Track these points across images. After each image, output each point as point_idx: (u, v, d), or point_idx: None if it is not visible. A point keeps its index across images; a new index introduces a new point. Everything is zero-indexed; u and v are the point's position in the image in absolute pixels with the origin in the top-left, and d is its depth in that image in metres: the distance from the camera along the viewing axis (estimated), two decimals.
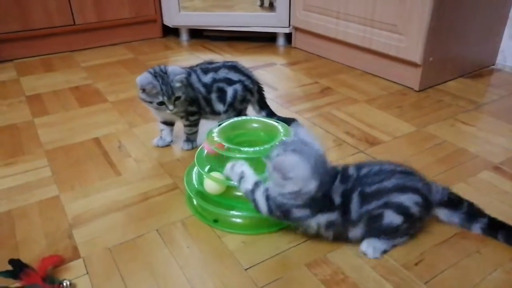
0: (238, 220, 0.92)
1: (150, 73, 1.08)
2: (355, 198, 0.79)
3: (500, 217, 0.93)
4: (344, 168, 0.84)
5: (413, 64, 1.59)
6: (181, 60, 2.01)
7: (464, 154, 1.20)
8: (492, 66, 1.87)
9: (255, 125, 1.02)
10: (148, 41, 2.33)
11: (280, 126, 0.97)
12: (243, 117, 1.07)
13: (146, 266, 0.82)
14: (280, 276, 0.79)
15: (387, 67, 1.72)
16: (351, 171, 0.83)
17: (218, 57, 2.06)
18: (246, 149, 0.89)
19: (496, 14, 1.74)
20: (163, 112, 1.13)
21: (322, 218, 0.80)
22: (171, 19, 2.26)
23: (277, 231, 0.90)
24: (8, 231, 0.91)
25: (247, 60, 1.99)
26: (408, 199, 0.80)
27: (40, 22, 2.01)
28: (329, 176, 0.80)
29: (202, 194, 0.93)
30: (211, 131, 0.97)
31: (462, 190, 1.03)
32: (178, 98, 1.09)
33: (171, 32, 2.40)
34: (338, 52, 1.94)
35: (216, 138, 0.93)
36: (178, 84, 1.08)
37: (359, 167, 0.84)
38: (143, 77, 1.07)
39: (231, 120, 1.02)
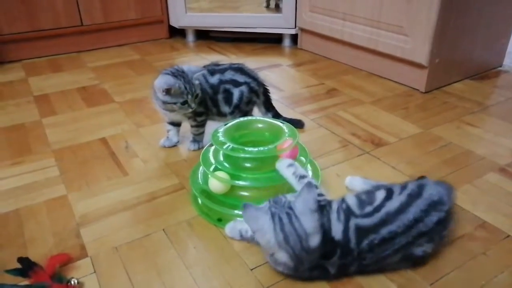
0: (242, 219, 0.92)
1: (169, 74, 1.07)
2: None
3: (506, 220, 0.93)
4: (345, 238, 0.75)
5: (419, 66, 1.59)
6: (187, 61, 2.02)
7: (470, 156, 1.19)
8: (499, 68, 1.86)
9: (260, 125, 1.02)
10: (155, 42, 2.34)
11: (285, 127, 0.98)
12: (248, 118, 1.07)
13: (153, 266, 0.83)
14: (285, 277, 0.80)
15: (393, 68, 1.72)
16: (352, 243, 0.74)
17: (223, 58, 2.06)
18: (250, 149, 0.89)
19: (503, 15, 1.73)
20: (172, 113, 1.14)
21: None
22: (177, 20, 2.27)
23: None
24: (17, 229, 0.93)
25: (253, 61, 2.00)
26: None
27: (48, 23, 2.03)
28: (314, 256, 0.73)
29: (206, 193, 0.94)
30: (216, 131, 0.97)
31: (468, 191, 1.03)
32: (197, 95, 1.10)
33: (177, 33, 2.41)
34: (344, 53, 1.95)
35: (221, 138, 0.93)
36: (197, 82, 1.10)
37: (361, 233, 0.75)
38: (165, 79, 1.06)
39: (236, 121, 1.02)
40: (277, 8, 2.25)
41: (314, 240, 0.71)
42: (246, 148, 0.90)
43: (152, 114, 1.44)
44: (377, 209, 0.77)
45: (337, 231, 0.75)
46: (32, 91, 1.68)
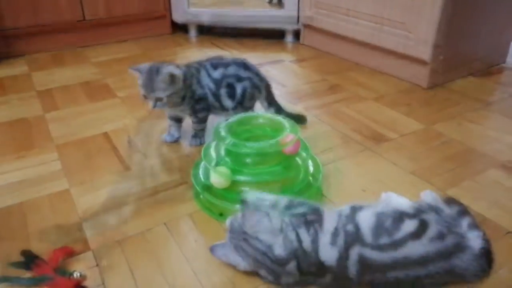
0: None
1: (148, 64, 1.10)
2: None
3: (507, 216, 0.94)
4: (340, 266, 0.68)
5: (422, 62, 1.59)
6: (190, 57, 2.02)
7: (472, 152, 1.19)
8: (502, 64, 1.85)
9: (261, 120, 1.03)
10: (157, 37, 2.34)
11: (286, 122, 0.98)
12: (250, 113, 1.08)
13: (154, 259, 0.83)
14: None
15: (396, 64, 1.72)
16: (351, 274, 0.67)
17: (226, 54, 2.06)
18: (251, 144, 0.90)
19: (506, 11, 1.72)
20: (169, 108, 1.14)
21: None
22: (180, 16, 2.27)
23: None
24: (20, 223, 0.93)
25: (255, 57, 2.00)
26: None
27: (51, 18, 2.03)
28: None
29: (208, 188, 0.94)
30: (218, 126, 0.98)
31: (469, 188, 1.04)
32: (160, 99, 1.07)
33: (180, 29, 2.41)
34: (347, 50, 1.94)
35: (223, 133, 0.94)
36: (162, 85, 1.06)
37: (366, 266, 0.66)
38: (143, 66, 1.09)
39: (238, 116, 1.02)
40: (280, 3, 2.24)
41: (278, 249, 0.69)
42: (247, 144, 0.90)
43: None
44: (396, 244, 0.66)
45: (328, 256, 0.68)
46: (35, 86, 1.69)
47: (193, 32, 2.35)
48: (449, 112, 1.43)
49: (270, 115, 1.04)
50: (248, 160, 0.94)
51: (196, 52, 2.09)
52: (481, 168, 1.12)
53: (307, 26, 2.13)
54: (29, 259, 0.80)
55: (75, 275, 0.77)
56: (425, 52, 1.55)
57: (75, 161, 1.17)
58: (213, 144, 1.00)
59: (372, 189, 1.03)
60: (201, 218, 0.95)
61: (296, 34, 2.23)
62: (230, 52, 2.10)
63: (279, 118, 1.01)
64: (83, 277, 0.78)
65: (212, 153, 0.97)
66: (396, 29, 1.64)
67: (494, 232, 0.89)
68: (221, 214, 0.93)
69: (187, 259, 0.83)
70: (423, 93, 1.59)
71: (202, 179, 0.98)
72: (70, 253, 0.84)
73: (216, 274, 0.80)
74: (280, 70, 1.84)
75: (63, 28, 2.09)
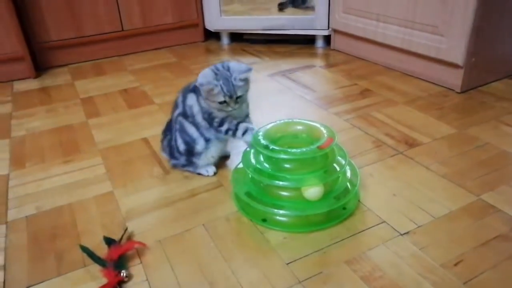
0: (286, 219, 0.96)
1: (212, 70, 1.05)
2: None
3: None
4: None
5: (455, 66, 1.58)
6: None
7: (507, 156, 1.18)
8: None
9: (298, 127, 1.05)
10: (190, 45, 2.42)
11: (323, 128, 1.01)
12: (286, 120, 1.10)
13: (194, 258, 0.88)
14: (320, 271, 0.83)
15: (427, 68, 1.71)
16: None
17: (257, 60, 2.11)
18: (293, 150, 0.93)
19: None
20: (223, 112, 1.09)
21: None
22: (212, 24, 2.34)
23: (319, 230, 0.94)
24: (70, 221, 1.01)
25: (286, 63, 2.04)
26: None
27: (91, 29, 2.14)
28: None
29: (250, 194, 0.98)
30: (257, 133, 1.01)
31: (505, 193, 1.03)
32: (240, 97, 1.05)
33: (212, 36, 2.48)
34: (377, 54, 1.95)
35: (262, 140, 0.97)
36: (241, 83, 1.04)
37: None
38: (203, 74, 1.03)
39: (275, 123, 1.06)
40: (304, 7, 2.27)
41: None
42: (288, 150, 0.93)
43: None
44: None
45: None
46: (79, 94, 1.79)
47: (225, 40, 2.41)
48: (484, 115, 1.42)
49: (306, 121, 1.06)
50: (287, 165, 0.96)
51: (228, 59, 2.14)
52: None
53: (337, 31, 2.15)
54: (109, 241, 0.90)
55: (122, 274, 0.83)
56: (458, 56, 1.54)
57: (117, 165, 1.24)
58: (252, 150, 1.03)
59: (402, 194, 1.05)
60: (237, 219, 0.99)
61: (327, 40, 2.26)
62: (261, 58, 2.14)
63: (316, 124, 1.04)
64: (128, 277, 0.84)
65: (252, 159, 1.01)
66: (427, 33, 1.63)
67: None
68: (264, 220, 0.96)
69: (225, 258, 0.87)
70: (456, 96, 1.58)
71: (244, 185, 1.01)
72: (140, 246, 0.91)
73: (253, 273, 0.83)
74: (310, 75, 1.87)
75: (103, 39, 2.19)
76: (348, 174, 1.03)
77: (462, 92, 1.60)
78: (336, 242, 0.90)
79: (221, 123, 1.09)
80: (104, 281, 0.82)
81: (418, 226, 0.94)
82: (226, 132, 1.09)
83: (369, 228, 0.94)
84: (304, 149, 0.93)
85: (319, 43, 2.28)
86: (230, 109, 1.05)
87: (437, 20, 1.58)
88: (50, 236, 0.96)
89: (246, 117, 1.14)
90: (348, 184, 1.01)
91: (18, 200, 1.10)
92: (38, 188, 1.15)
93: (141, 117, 1.54)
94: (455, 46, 1.54)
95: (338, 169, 0.98)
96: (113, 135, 1.42)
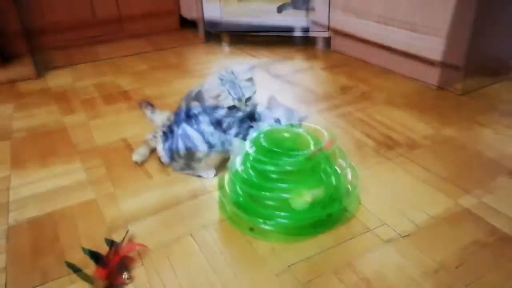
0: (272, 229, 0.97)
1: (217, 76, 1.06)
2: None
3: None
4: None
5: (456, 68, 1.60)
6: (200, 54, 2.04)
7: (481, 158, 1.23)
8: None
9: (286, 134, 1.06)
10: (166, 33, 2.35)
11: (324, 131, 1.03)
12: (276, 127, 1.11)
13: (183, 270, 0.88)
14: (308, 280, 0.85)
15: (428, 71, 1.71)
16: None
17: (257, 62, 2.06)
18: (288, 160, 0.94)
19: None
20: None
21: None
22: (188, 12, 2.27)
23: (307, 239, 0.95)
24: (53, 234, 0.98)
25: (286, 64, 2.02)
26: None
27: (61, 15, 2.04)
28: None
29: (238, 204, 0.98)
30: (257, 137, 1.01)
31: (481, 197, 1.07)
32: (249, 98, 1.08)
33: (189, 24, 2.42)
34: (377, 55, 1.94)
35: (264, 144, 0.98)
36: (247, 84, 1.06)
37: None
38: (208, 81, 1.06)
39: (264, 130, 1.06)
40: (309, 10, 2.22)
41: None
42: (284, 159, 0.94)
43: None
44: None
45: None
46: (51, 88, 1.71)
47: (226, 41, 2.32)
48: (460, 115, 1.46)
49: (297, 128, 1.07)
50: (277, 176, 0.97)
51: (230, 63, 2.09)
52: (490, 175, 1.15)
53: (337, 32, 2.12)
54: (110, 245, 0.90)
55: (123, 276, 0.85)
56: (458, 58, 1.55)
57: (97, 170, 1.20)
58: (238, 159, 1.03)
59: (386, 200, 1.07)
60: (226, 229, 0.99)
61: (327, 41, 2.22)
62: (260, 59, 2.09)
63: (316, 127, 1.06)
64: (130, 279, 0.85)
65: (239, 167, 1.01)
66: (428, 35, 1.62)
67: (500, 243, 0.93)
68: (251, 229, 0.97)
69: (214, 270, 0.88)
70: (456, 99, 1.59)
71: (232, 194, 1.01)
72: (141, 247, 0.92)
73: (243, 286, 0.84)
74: (310, 77, 1.85)
75: (74, 26, 2.09)
76: (349, 177, 1.05)
77: (462, 94, 1.62)
78: (323, 251, 0.92)
79: (229, 127, 1.10)
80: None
81: (401, 234, 0.97)
82: (236, 135, 1.10)
83: (355, 237, 0.96)
84: (292, 159, 0.94)
85: (320, 44, 2.23)
86: (240, 113, 1.06)
87: (438, 22, 1.57)
88: (31, 254, 0.93)
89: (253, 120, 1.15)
90: (349, 187, 1.03)
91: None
92: (14, 196, 1.10)
93: (118, 115, 1.50)
94: (456, 49, 1.54)
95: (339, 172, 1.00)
96: (90, 136, 1.38)
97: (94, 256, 0.88)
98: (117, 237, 0.96)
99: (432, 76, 1.71)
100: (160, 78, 1.79)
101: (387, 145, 1.31)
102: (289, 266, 0.88)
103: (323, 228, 0.97)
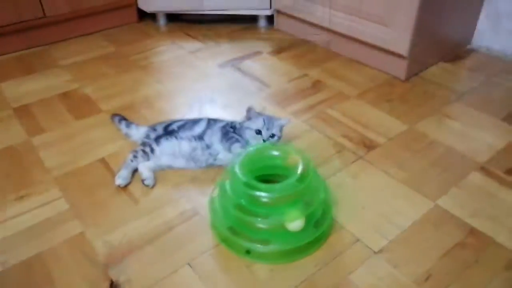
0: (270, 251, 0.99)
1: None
2: None
3: (491, 224, 1.05)
4: None
5: (399, 55, 1.65)
6: (165, 51, 1.97)
7: (453, 154, 1.30)
8: (469, 46, 1.95)
9: (274, 153, 1.08)
10: (124, 26, 2.24)
11: (298, 155, 1.04)
12: (260, 145, 1.14)
13: None
14: None
15: (373, 55, 1.77)
16: None
17: (201, 46, 2.02)
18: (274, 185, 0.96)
19: None
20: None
21: None
22: (147, 4, 2.17)
23: (302, 258, 0.99)
24: (45, 277, 0.95)
25: (232, 48, 1.99)
26: None
27: (7, 18, 1.88)
28: None
29: (232, 229, 0.99)
30: (233, 163, 1.01)
31: (456, 195, 1.15)
32: (273, 135, 1.22)
33: (147, 17, 2.31)
34: (323, 38, 1.96)
35: (241, 177, 0.98)
36: (277, 127, 1.24)
37: None
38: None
39: (249, 150, 1.07)
40: None
41: None
42: (269, 186, 0.96)
43: (148, 124, 1.42)
44: None
45: None
46: (9, 102, 1.61)
47: (162, 21, 2.25)
48: (428, 107, 1.52)
49: (279, 146, 1.09)
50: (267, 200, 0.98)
51: (170, 46, 2.03)
52: (463, 172, 1.23)
53: (280, 12, 2.11)
54: None
55: None
56: (402, 46, 1.61)
57: (79, 197, 1.16)
58: (227, 182, 1.03)
59: (370, 206, 1.12)
60: (222, 253, 1.00)
61: (269, 19, 2.21)
62: (204, 43, 2.06)
63: (290, 149, 1.07)
64: None
65: (229, 190, 1.01)
66: (373, 22, 1.67)
67: (481, 243, 1.01)
68: (248, 252, 0.98)
69: None
70: (401, 85, 1.67)
71: (222, 217, 1.02)
72: None
73: None
74: (260, 65, 1.85)
75: (22, 28, 1.94)
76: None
77: (406, 80, 1.69)
78: (320, 269, 0.96)
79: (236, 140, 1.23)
80: None
81: (389, 241, 1.02)
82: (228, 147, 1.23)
83: (346, 249, 1.01)
84: (285, 183, 0.96)
85: (262, 22, 2.22)
86: (261, 140, 1.20)
87: (382, 10, 1.61)
88: None
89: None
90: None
91: None
92: None
93: (91, 131, 1.44)
94: (400, 37, 1.60)
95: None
96: (66, 158, 1.32)
97: None
98: (114, 273, 0.96)
99: (379, 60, 1.75)
100: (126, 83, 1.73)
101: (365, 145, 1.35)
102: None
103: (317, 245, 1.01)
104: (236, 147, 1.19)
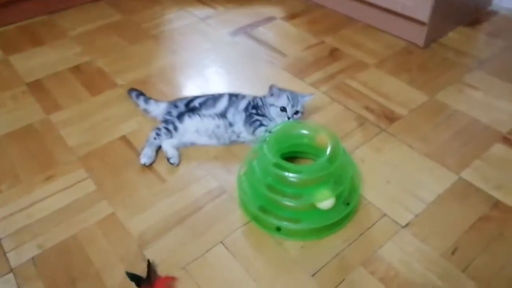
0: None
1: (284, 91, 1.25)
2: None
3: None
4: None
5: (419, 21, 1.60)
6: (174, 19, 1.91)
7: (475, 124, 1.30)
8: (490, 8, 1.89)
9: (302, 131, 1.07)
10: None
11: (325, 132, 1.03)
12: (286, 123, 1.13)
13: (223, 281, 0.92)
14: (343, 279, 0.92)
15: (391, 21, 1.71)
16: None
17: (211, 12, 1.96)
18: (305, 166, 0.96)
19: None
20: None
21: None
22: None
23: (332, 234, 1.01)
24: (83, 259, 0.98)
25: (244, 14, 1.93)
26: None
27: None
28: None
29: (263, 208, 1.01)
30: (261, 141, 1.01)
31: (479, 168, 1.16)
32: (297, 112, 1.22)
33: None
34: (339, 2, 1.89)
35: (266, 151, 0.98)
36: (301, 104, 1.23)
37: None
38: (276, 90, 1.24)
39: (277, 128, 1.07)
40: None
41: None
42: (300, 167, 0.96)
43: (165, 98, 1.40)
44: None
45: None
46: (22, 76, 1.58)
47: None
48: (448, 76, 1.50)
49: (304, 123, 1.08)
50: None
51: (180, 13, 1.97)
52: (486, 143, 1.23)
53: None
54: (136, 279, 0.91)
55: None
56: (423, 13, 1.56)
57: (105, 177, 1.17)
58: (255, 161, 1.03)
59: (395, 180, 1.14)
60: (253, 231, 1.02)
61: None
62: (215, 8, 1.99)
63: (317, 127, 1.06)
64: None
65: (257, 170, 1.02)
66: None
67: (506, 215, 1.03)
68: (278, 229, 1.01)
69: (253, 279, 0.93)
70: (420, 53, 1.63)
71: (251, 195, 1.03)
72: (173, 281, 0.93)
73: None
74: (274, 32, 1.80)
75: None
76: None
77: (425, 47, 1.66)
78: (349, 245, 0.99)
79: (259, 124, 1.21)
80: None
81: (415, 216, 1.05)
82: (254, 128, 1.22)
83: (374, 224, 1.03)
84: (315, 164, 0.96)
85: None
86: (286, 118, 1.20)
87: None
88: (68, 280, 0.94)
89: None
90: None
91: (12, 239, 1.03)
92: (28, 220, 1.07)
93: (109, 107, 1.42)
94: (421, 3, 1.54)
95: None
96: (87, 136, 1.31)
97: (135, 278, 0.91)
98: (149, 253, 0.98)
99: (397, 27, 1.70)
100: (139, 54, 1.69)
101: (387, 117, 1.34)
102: (321, 265, 0.95)
103: (346, 221, 1.03)
104: (260, 131, 1.18)
